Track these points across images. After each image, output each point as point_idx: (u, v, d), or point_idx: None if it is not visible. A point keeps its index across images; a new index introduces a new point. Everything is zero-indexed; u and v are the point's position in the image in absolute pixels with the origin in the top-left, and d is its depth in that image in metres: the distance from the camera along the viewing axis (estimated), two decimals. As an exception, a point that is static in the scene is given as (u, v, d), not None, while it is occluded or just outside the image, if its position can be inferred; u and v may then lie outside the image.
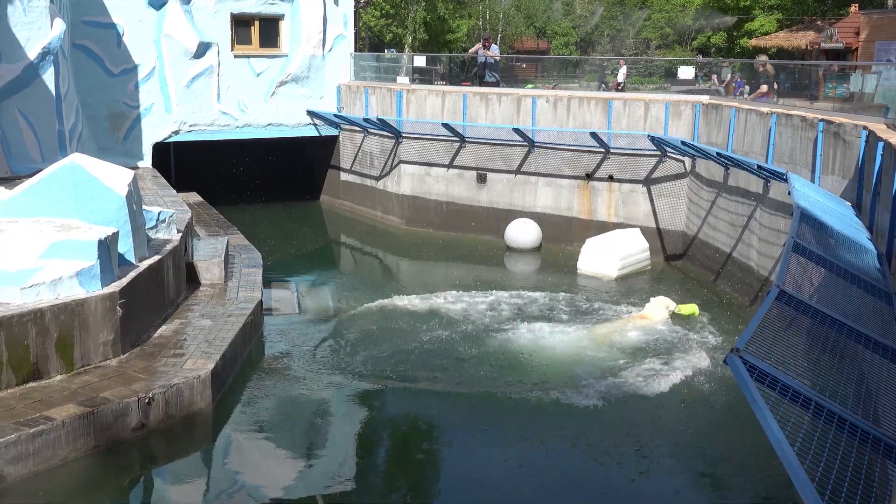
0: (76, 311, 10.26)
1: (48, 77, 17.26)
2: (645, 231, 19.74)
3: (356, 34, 26.07)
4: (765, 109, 16.62)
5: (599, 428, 10.97)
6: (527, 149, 21.38)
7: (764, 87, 20.02)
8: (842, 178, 13.73)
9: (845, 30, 33.44)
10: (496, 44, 40.52)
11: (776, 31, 41.45)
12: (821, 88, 19.85)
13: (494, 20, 58.82)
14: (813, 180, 14.33)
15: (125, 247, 11.57)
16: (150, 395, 9.82)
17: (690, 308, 15.65)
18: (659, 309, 15.22)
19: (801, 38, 37.10)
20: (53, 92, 17.37)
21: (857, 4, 37.41)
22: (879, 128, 12.57)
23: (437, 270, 19.35)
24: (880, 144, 11.35)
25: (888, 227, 10.18)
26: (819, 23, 39.01)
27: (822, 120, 14.44)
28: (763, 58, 24.14)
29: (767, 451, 5.08)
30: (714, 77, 25.48)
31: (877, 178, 11.44)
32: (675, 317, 15.27)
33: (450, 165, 22.62)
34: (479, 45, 24.97)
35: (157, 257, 12.25)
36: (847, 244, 9.34)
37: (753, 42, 40.47)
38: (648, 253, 19.40)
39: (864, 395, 5.97)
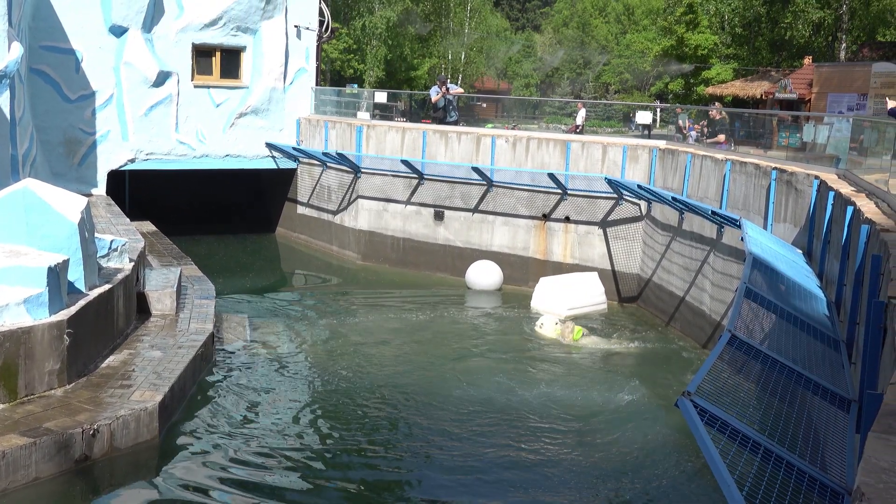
0: (22, 338, 10.05)
1: (3, 100, 17.04)
2: (600, 273, 19.82)
3: (318, 68, 26.11)
4: (720, 156, 16.88)
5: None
6: (485, 188, 21.47)
7: (721, 136, 20.32)
8: (793, 226, 13.96)
9: (799, 81, 34.10)
10: (455, 84, 40.76)
11: (732, 80, 42.20)
12: (775, 137, 20.17)
13: (456, 60, 59.19)
14: (765, 227, 14.55)
15: (75, 274, 11.39)
16: (95, 426, 9.62)
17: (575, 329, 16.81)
18: (550, 325, 16.77)
19: (756, 88, 37.78)
20: (8, 116, 17.14)
21: (810, 57, 38.25)
22: (830, 178, 12.82)
23: (391, 307, 19.25)
24: (831, 194, 11.56)
25: (837, 276, 10.35)
26: (773, 73, 39.78)
27: (775, 168, 14.70)
28: (718, 105, 24.49)
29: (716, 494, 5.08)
30: (679, 123, 25.81)
31: (827, 227, 11.64)
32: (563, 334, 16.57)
33: (408, 202, 22.64)
34: (440, 95, 24.49)
35: (107, 286, 12.06)
36: (798, 291, 9.47)
37: (710, 90, 41.14)
38: (604, 297, 19.42)
39: (812, 440, 6.02)
